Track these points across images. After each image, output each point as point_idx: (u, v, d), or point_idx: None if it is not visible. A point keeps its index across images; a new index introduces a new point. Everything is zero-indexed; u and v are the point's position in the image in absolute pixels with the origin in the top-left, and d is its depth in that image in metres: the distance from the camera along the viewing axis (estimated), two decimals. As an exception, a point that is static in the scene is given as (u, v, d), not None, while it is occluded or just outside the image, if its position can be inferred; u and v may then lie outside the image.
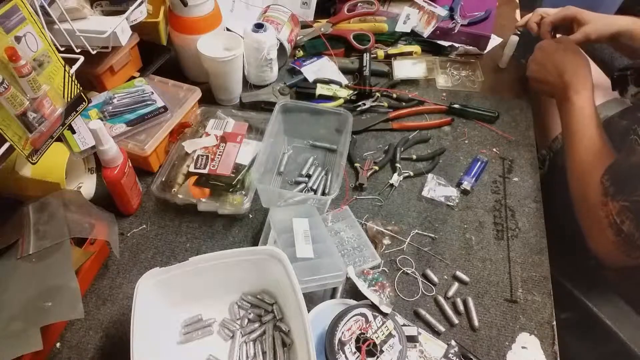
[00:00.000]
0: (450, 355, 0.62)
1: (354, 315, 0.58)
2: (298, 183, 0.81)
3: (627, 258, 0.68)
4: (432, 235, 0.76)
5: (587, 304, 0.76)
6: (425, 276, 0.71)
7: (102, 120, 0.74)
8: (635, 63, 0.80)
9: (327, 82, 0.96)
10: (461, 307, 0.67)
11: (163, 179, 0.75)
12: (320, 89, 0.93)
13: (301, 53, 1.05)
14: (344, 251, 0.71)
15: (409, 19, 1.06)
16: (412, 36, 1.08)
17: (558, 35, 0.97)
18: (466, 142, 0.91)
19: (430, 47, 1.07)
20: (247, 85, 0.98)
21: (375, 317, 0.58)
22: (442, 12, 1.05)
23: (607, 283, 0.78)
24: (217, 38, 0.89)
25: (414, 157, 0.86)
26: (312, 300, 0.63)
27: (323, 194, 0.79)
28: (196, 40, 0.86)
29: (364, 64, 0.99)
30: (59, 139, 0.65)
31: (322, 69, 1.00)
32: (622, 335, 0.72)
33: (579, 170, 0.76)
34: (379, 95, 0.95)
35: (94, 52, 0.73)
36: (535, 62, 0.90)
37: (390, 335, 0.57)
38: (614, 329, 0.73)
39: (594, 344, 0.77)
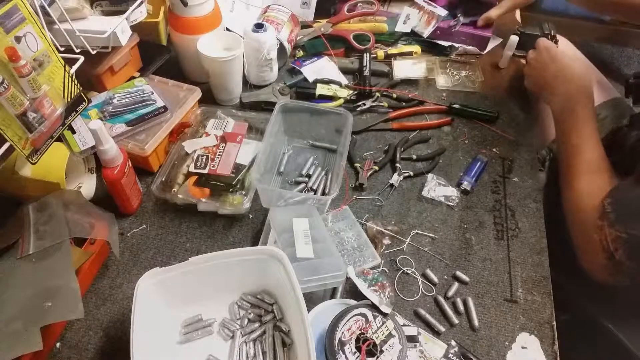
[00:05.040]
0: (450, 355, 0.62)
1: (354, 315, 0.58)
2: (298, 183, 0.81)
3: (613, 280, 0.68)
4: (432, 235, 0.76)
5: (585, 305, 0.76)
6: (425, 276, 0.71)
7: (102, 120, 0.74)
8: None
9: (327, 82, 0.96)
10: (461, 307, 0.67)
11: (163, 179, 0.75)
12: (320, 89, 0.93)
13: (301, 53, 1.05)
14: (344, 251, 0.71)
15: (409, 19, 1.06)
16: (412, 36, 1.08)
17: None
18: (466, 142, 0.91)
19: (430, 47, 1.07)
20: (247, 85, 0.98)
21: (375, 317, 0.58)
22: (442, 12, 1.05)
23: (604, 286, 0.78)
24: (217, 38, 0.89)
25: (414, 157, 0.86)
26: (312, 300, 0.63)
27: (323, 194, 0.79)
28: (196, 40, 0.86)
29: (364, 64, 0.99)
30: (59, 139, 0.65)
31: (322, 69, 1.00)
32: (620, 336, 0.72)
33: (575, 185, 0.74)
34: (379, 95, 0.95)
35: (94, 52, 0.73)
36: (539, 61, 0.89)
37: (390, 335, 0.57)
38: (612, 329, 0.73)
39: (592, 345, 0.77)
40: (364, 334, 0.56)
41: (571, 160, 0.76)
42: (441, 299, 0.68)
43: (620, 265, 0.65)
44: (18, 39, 0.54)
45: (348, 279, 0.65)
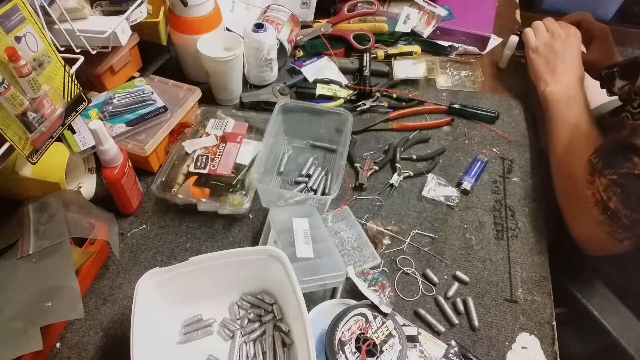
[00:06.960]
0: (450, 355, 0.62)
1: (354, 315, 0.58)
2: (298, 183, 0.81)
3: (611, 239, 0.66)
4: (432, 235, 0.76)
5: (579, 298, 0.76)
6: (425, 276, 0.71)
7: (102, 120, 0.74)
8: (621, 61, 0.81)
9: (327, 82, 0.96)
10: (461, 307, 0.67)
11: (163, 179, 0.75)
12: (320, 89, 0.93)
13: (301, 53, 1.04)
14: (344, 251, 0.71)
15: (409, 19, 1.06)
16: (412, 36, 1.08)
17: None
18: (466, 142, 0.91)
19: (430, 47, 1.07)
20: (247, 85, 0.98)
21: (375, 317, 0.58)
22: (442, 12, 1.05)
23: (598, 276, 0.79)
24: (217, 38, 0.89)
25: (414, 157, 0.86)
26: (312, 300, 0.63)
27: (323, 194, 0.79)
28: (196, 40, 0.86)
29: (364, 64, 0.99)
30: (59, 139, 0.65)
31: (322, 69, 1.00)
32: (610, 329, 0.73)
33: (564, 150, 0.77)
34: (379, 95, 0.95)
35: (94, 52, 0.73)
36: (545, 42, 0.92)
37: (390, 335, 0.57)
38: (603, 322, 0.73)
39: (587, 339, 0.78)
40: (364, 334, 0.56)
41: (571, 137, 0.78)
42: (441, 299, 0.68)
43: (617, 216, 0.64)
44: (18, 39, 0.54)
45: (348, 279, 0.65)
